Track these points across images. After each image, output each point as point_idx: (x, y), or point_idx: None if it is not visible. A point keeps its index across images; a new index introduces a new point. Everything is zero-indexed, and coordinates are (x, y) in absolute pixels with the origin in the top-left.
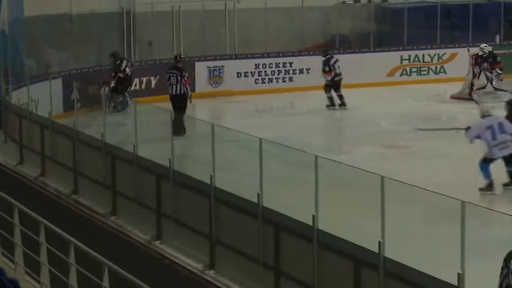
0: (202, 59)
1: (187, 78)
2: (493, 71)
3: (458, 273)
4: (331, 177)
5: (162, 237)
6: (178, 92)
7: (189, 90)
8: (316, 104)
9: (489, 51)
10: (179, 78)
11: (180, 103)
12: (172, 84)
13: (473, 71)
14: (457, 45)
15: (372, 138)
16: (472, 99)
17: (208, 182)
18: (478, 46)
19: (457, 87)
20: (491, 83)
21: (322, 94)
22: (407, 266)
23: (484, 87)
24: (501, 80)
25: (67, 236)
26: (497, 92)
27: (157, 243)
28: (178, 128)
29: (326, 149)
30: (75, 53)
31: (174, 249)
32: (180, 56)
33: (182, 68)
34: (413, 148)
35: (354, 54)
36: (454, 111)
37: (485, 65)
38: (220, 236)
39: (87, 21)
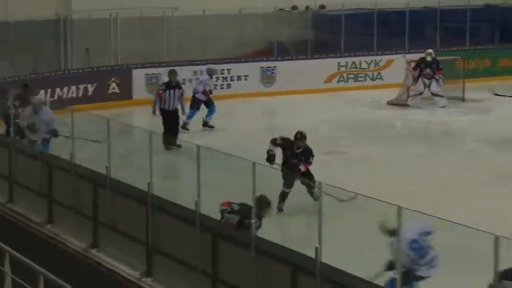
0: (140, 66)
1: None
2: (436, 76)
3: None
4: (270, 184)
5: (99, 245)
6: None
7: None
8: (255, 111)
9: (433, 58)
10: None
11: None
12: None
13: (413, 75)
14: (393, 52)
15: (310, 145)
16: (408, 105)
17: (146, 189)
18: (415, 52)
19: (393, 94)
20: (429, 89)
21: (261, 100)
22: (343, 271)
23: (421, 93)
24: (443, 85)
25: (1, 244)
26: (435, 97)
27: (93, 251)
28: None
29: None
30: (12, 60)
31: (110, 257)
32: None
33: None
34: (352, 154)
35: (291, 61)
36: (391, 118)
37: (428, 70)
38: (158, 243)
39: (23, 28)
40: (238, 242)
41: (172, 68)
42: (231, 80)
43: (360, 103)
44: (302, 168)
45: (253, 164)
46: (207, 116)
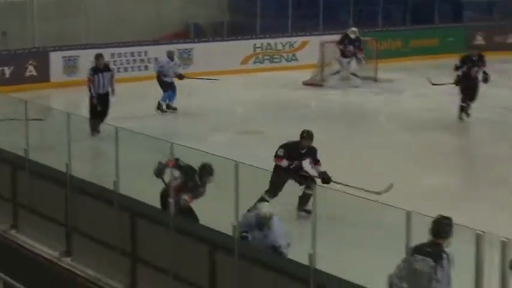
0: (57, 49)
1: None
2: (357, 55)
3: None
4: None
5: (19, 226)
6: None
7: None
8: None
9: (357, 36)
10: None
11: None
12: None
13: (340, 50)
14: (308, 34)
15: (227, 125)
16: (323, 85)
17: (65, 170)
18: (329, 34)
19: (308, 74)
20: (348, 68)
21: (178, 81)
22: (260, 249)
23: (337, 73)
24: (364, 64)
25: None
26: (351, 76)
27: (13, 232)
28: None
29: (185, 137)
30: None
31: (30, 238)
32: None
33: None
34: (268, 134)
35: (208, 43)
36: (306, 98)
37: (351, 47)
38: (77, 224)
39: None
40: (157, 221)
41: (98, 52)
42: (149, 62)
43: (275, 84)
44: (320, 169)
45: (171, 144)
46: (167, 99)
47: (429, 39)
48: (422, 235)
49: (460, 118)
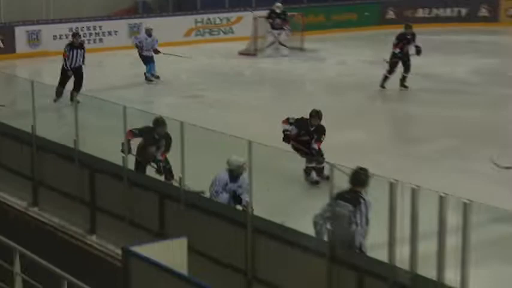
0: (21, 24)
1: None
2: (284, 27)
3: (246, 201)
4: (139, 123)
5: None
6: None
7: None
8: (124, 62)
9: (281, 11)
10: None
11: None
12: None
13: (270, 23)
14: (242, 9)
15: (173, 90)
16: (256, 55)
17: (30, 131)
18: (261, 9)
19: (243, 45)
20: (279, 39)
21: (129, 53)
22: (205, 197)
23: (272, 44)
24: (290, 34)
25: None
26: (280, 46)
27: None
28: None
29: (136, 101)
30: None
31: (1, 191)
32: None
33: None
34: (208, 98)
35: (155, 18)
36: (242, 66)
37: (278, 20)
38: (43, 178)
39: None
40: (113, 174)
41: (75, 31)
42: (103, 36)
43: (215, 54)
44: (315, 146)
45: (124, 107)
46: (150, 70)
47: (348, 14)
48: (343, 183)
49: (382, 87)
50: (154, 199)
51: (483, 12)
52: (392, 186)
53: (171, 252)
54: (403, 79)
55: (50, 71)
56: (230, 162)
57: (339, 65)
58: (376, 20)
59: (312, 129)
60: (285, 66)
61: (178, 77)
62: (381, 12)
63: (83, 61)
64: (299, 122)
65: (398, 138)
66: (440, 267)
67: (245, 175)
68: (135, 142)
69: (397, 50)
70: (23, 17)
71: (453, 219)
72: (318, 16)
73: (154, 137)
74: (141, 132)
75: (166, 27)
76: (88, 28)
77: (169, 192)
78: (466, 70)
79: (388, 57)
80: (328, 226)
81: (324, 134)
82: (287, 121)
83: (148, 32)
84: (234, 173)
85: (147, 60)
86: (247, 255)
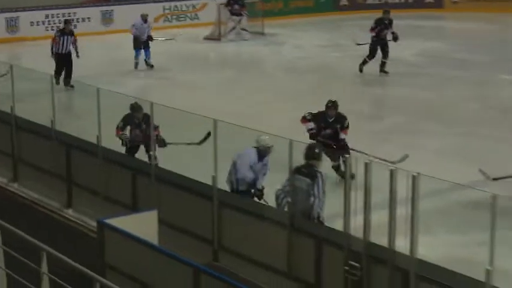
0: (0, 11)
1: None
2: (242, 12)
3: (213, 176)
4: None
5: None
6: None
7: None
8: (96, 46)
9: None
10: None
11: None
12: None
13: (229, 10)
14: None
15: (143, 72)
16: (220, 39)
17: (9, 111)
18: None
19: (207, 31)
20: (240, 24)
21: (99, 38)
22: (173, 172)
23: (233, 29)
24: (247, 19)
25: None
26: (242, 31)
27: None
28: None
29: (107, 82)
30: None
31: None
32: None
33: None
34: (177, 80)
35: (126, 5)
36: (207, 50)
37: (237, 6)
38: (22, 155)
39: None
40: (88, 151)
41: (67, 18)
42: (77, 22)
43: (181, 38)
44: (343, 136)
45: (97, 89)
46: (146, 57)
47: (305, 1)
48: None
49: (360, 71)
50: (127, 174)
51: None
52: (346, 160)
53: (142, 224)
54: (382, 65)
55: (29, 55)
56: (259, 140)
57: (297, 48)
58: (331, 7)
59: (331, 120)
60: (246, 49)
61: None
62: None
63: (77, 54)
64: (316, 117)
65: (353, 116)
66: (391, 235)
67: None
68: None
69: (373, 34)
70: (2, 5)
71: (403, 190)
72: (277, 3)
73: (135, 122)
74: (124, 122)
75: (137, 14)
76: (63, 15)
77: (140, 167)
78: (413, 53)
79: (360, 40)
80: (289, 199)
81: (347, 120)
82: (305, 119)
83: (144, 18)
84: (262, 153)
85: (143, 45)
86: (213, 226)
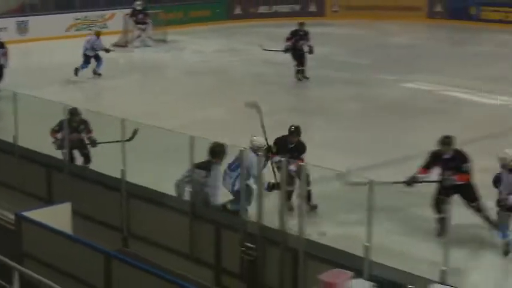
0: None
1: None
2: (146, 20)
3: (121, 169)
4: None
5: None
6: None
7: None
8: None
9: (142, 8)
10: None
11: None
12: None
13: (134, 21)
14: (115, 8)
15: (58, 78)
16: (127, 46)
17: None
18: (127, 8)
19: (116, 38)
20: (145, 32)
21: (19, 46)
22: (85, 167)
23: (139, 37)
24: (151, 27)
25: None
26: (147, 39)
27: None
28: None
29: (27, 88)
30: None
31: None
32: None
33: None
34: (89, 83)
35: (40, 16)
36: (114, 56)
37: (141, 16)
38: None
39: None
40: (6, 150)
41: None
42: None
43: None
44: (293, 168)
45: (14, 93)
46: (96, 67)
47: (203, 11)
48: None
49: (298, 79)
50: (42, 170)
51: (312, 8)
52: (242, 153)
53: (57, 216)
54: (302, 72)
55: None
56: (252, 141)
57: (196, 53)
58: (226, 16)
59: (291, 146)
60: (151, 55)
61: (61, 68)
62: (229, 9)
63: (5, 63)
64: (277, 142)
65: (246, 113)
66: (282, 218)
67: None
68: (61, 136)
69: (289, 43)
70: None
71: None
72: (178, 12)
73: (72, 125)
74: (60, 127)
75: (50, 24)
76: None
77: (55, 164)
78: None
79: (266, 46)
80: (188, 189)
81: (305, 152)
82: (272, 153)
83: (98, 35)
84: (257, 153)
85: (96, 59)
86: (122, 215)
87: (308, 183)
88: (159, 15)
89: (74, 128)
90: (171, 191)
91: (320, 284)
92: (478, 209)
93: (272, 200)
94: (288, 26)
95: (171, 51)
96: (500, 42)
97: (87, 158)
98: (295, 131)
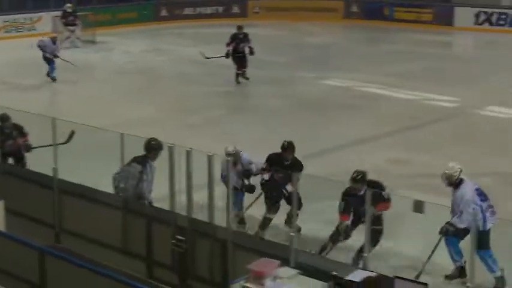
0: None
1: None
2: (76, 22)
3: (52, 168)
4: None
5: None
6: None
7: None
8: None
9: (72, 10)
10: None
11: None
12: None
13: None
14: (42, 10)
15: None
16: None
17: None
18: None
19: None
20: (74, 33)
21: None
22: (16, 166)
23: (68, 38)
24: (80, 28)
25: None
26: (76, 40)
27: None
28: None
29: None
30: None
31: None
32: None
33: None
34: (24, 83)
35: None
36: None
37: (71, 18)
38: None
39: None
40: None
41: None
42: None
43: (21, 47)
44: (289, 188)
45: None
46: (53, 71)
47: (130, 13)
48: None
49: (237, 82)
50: None
51: (235, 9)
52: (170, 149)
53: None
54: (243, 74)
55: None
56: (225, 151)
57: (124, 53)
58: (152, 17)
59: (286, 163)
60: (81, 56)
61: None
62: (156, 11)
63: None
64: (271, 159)
65: (173, 111)
66: (211, 211)
67: (245, 155)
68: None
69: (230, 48)
70: None
71: (219, 173)
72: (106, 14)
73: (5, 132)
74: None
75: None
76: None
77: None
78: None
79: (208, 54)
80: (122, 185)
81: (302, 170)
82: (263, 170)
83: (54, 40)
84: (233, 160)
85: (50, 62)
86: (54, 211)
87: (300, 206)
88: (88, 17)
89: (7, 135)
90: (103, 187)
91: (249, 273)
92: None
93: (197, 194)
94: (212, 27)
95: (100, 52)
96: (413, 41)
97: (22, 164)
98: (289, 147)
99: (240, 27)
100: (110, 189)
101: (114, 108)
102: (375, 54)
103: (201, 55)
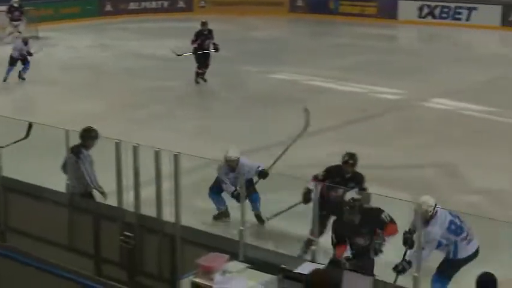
0: None
1: None
2: (21, 18)
3: None
4: None
5: None
6: None
7: None
8: None
9: (19, 5)
10: None
11: None
12: None
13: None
14: None
15: None
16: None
17: None
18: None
19: None
20: (18, 29)
21: None
22: None
23: (12, 33)
24: (25, 24)
25: None
26: (19, 35)
27: None
28: None
29: None
30: None
31: None
32: None
33: None
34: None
35: None
36: None
37: (17, 13)
38: None
39: None
40: None
41: None
42: None
43: None
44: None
45: None
46: (22, 70)
47: (74, 8)
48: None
49: (197, 82)
50: None
51: (180, 4)
52: (117, 145)
53: None
54: (202, 74)
55: None
56: (225, 156)
57: (68, 49)
58: (97, 12)
59: (347, 176)
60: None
61: None
62: (100, 6)
63: None
64: (331, 170)
65: (119, 106)
66: (159, 207)
67: (244, 161)
68: None
69: (195, 45)
70: None
71: (167, 168)
72: (48, 9)
73: None
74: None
75: None
76: None
77: None
78: (164, 51)
79: (178, 51)
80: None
81: (363, 183)
82: (315, 178)
83: (26, 41)
84: (231, 165)
85: (14, 62)
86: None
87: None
88: (30, 12)
89: None
90: (50, 184)
91: (198, 268)
92: None
93: (145, 190)
94: (157, 22)
95: (44, 47)
96: (357, 34)
97: None
98: (351, 160)
99: (204, 23)
100: (56, 187)
101: (60, 104)
102: (320, 48)
103: (173, 53)
